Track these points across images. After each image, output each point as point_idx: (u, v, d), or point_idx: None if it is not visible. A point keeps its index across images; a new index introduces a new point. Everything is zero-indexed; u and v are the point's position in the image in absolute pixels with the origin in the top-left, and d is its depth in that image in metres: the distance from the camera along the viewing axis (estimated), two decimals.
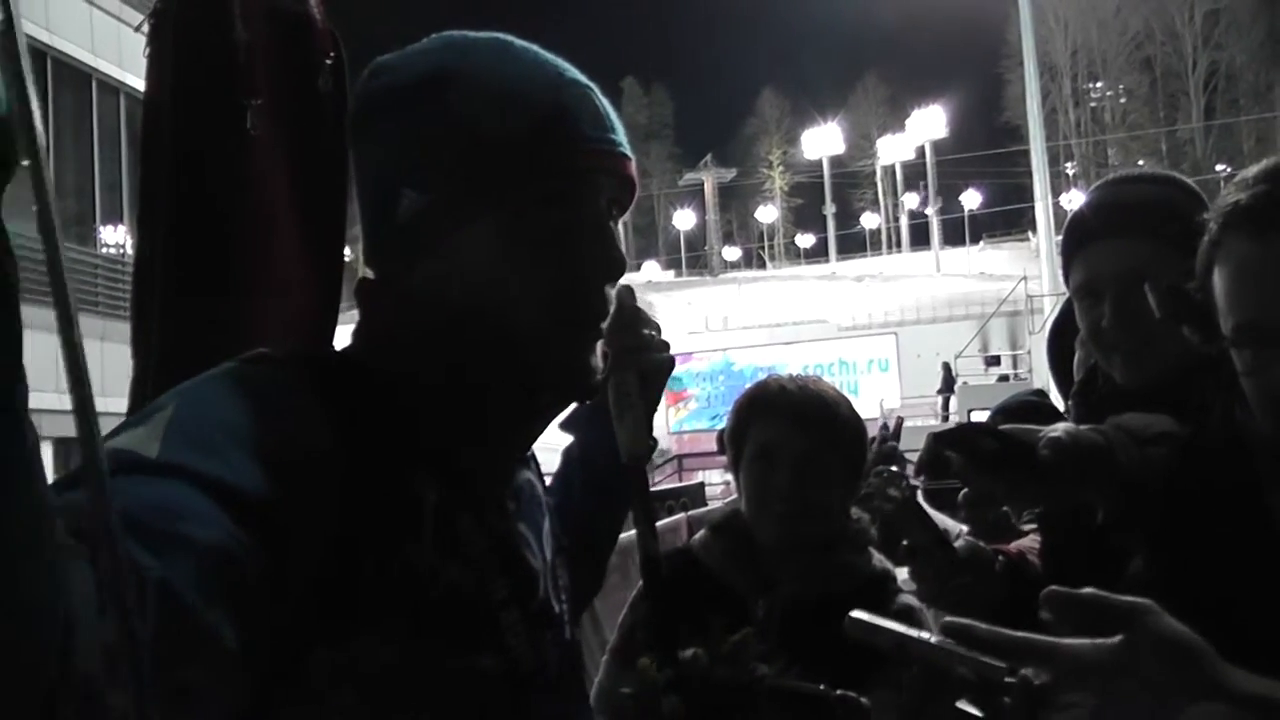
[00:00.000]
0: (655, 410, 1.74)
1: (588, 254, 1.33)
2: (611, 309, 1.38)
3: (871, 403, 32.07)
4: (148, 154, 1.63)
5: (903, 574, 2.29)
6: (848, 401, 2.47)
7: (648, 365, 1.65)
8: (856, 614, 1.23)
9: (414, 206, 1.30)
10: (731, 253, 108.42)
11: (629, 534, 1.85)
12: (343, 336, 1.45)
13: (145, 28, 1.65)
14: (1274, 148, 54.85)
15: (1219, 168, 71.11)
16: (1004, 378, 32.59)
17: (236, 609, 0.95)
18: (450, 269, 1.30)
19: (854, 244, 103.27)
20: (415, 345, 1.32)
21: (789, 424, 2.36)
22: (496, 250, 1.29)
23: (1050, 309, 26.38)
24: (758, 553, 2.38)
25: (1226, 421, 1.50)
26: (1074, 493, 1.79)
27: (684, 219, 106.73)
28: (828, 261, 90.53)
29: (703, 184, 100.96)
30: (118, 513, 0.84)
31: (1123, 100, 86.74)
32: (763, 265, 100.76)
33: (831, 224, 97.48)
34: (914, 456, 2.02)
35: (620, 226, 1.41)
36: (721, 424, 2.61)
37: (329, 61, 1.72)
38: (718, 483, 20.40)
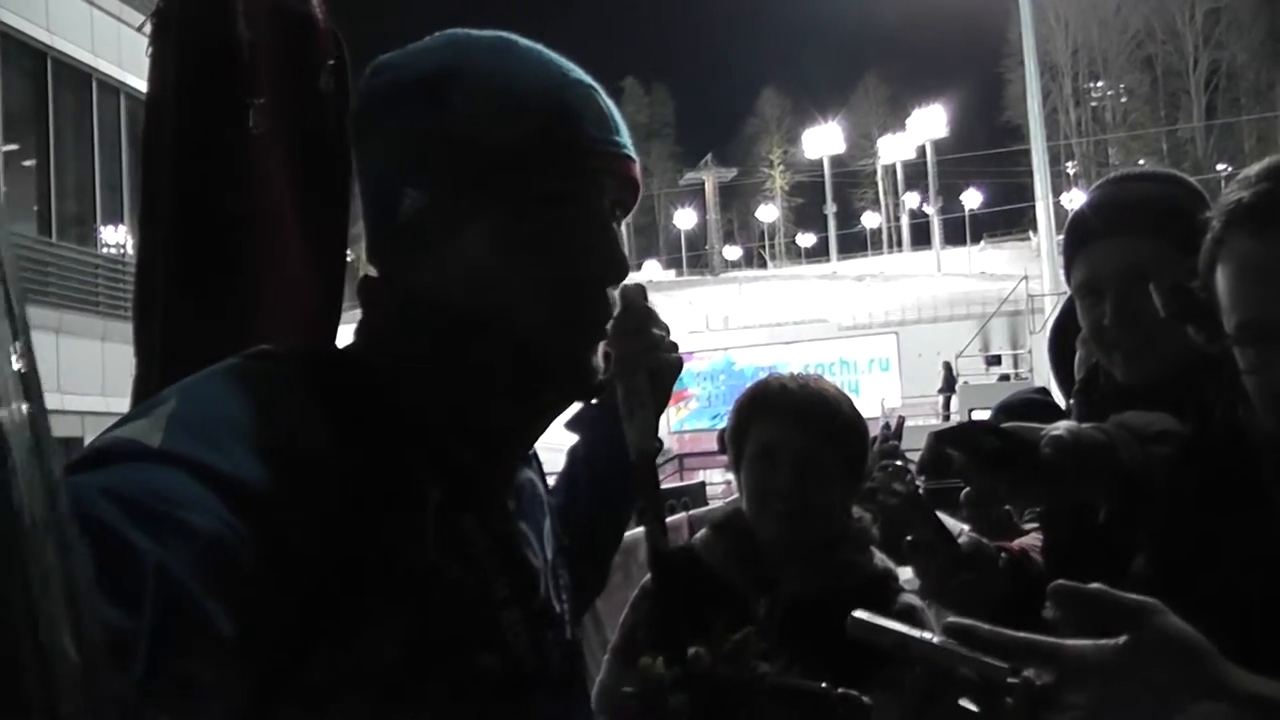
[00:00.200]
0: (664, 410, 1.74)
1: (590, 254, 1.32)
2: (614, 310, 1.38)
3: (872, 402, 32.04)
4: (150, 153, 1.63)
5: (905, 573, 2.29)
6: (849, 400, 2.48)
7: (657, 365, 1.65)
8: (859, 614, 1.23)
9: (416, 205, 1.30)
10: (732, 252, 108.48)
11: (631, 533, 1.85)
12: (345, 335, 1.45)
13: (148, 27, 1.65)
14: (1275, 146, 54.85)
15: (1220, 167, 71.12)
16: (1005, 377, 32.57)
17: (233, 599, 0.95)
18: (452, 268, 1.30)
19: (855, 243, 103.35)
20: (417, 343, 1.32)
21: (790, 423, 2.36)
22: (498, 250, 1.29)
23: (1051, 308, 26.38)
24: (759, 551, 2.38)
25: (1229, 419, 1.49)
26: (1076, 491, 1.79)
27: (685, 218, 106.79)
28: (829, 261, 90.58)
29: (703, 183, 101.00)
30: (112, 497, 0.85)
31: (1123, 99, 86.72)
32: (764, 265, 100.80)
33: (832, 223, 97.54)
34: (915, 456, 2.02)
35: (623, 228, 1.41)
36: (722, 423, 2.61)
37: (331, 61, 1.72)
38: (719, 482, 20.40)
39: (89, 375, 14.82)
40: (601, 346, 1.38)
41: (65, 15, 17.69)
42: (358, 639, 1.14)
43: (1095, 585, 1.11)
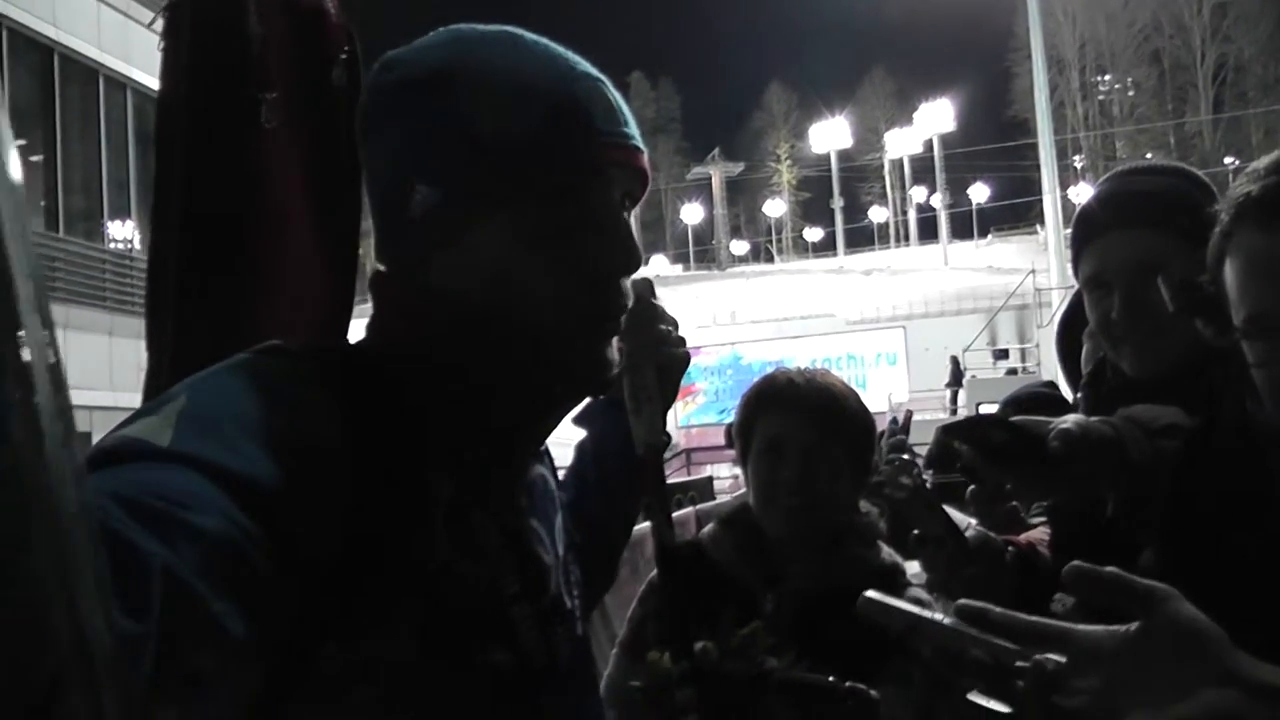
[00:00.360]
0: (671, 405, 1.74)
1: (602, 247, 1.32)
2: (627, 303, 1.38)
3: (880, 396, 32.08)
4: (162, 149, 1.64)
5: (912, 567, 2.29)
6: (856, 394, 2.47)
7: (665, 360, 1.64)
8: (870, 594, 1.23)
9: (426, 201, 1.30)
10: (739, 247, 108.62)
11: (640, 527, 1.85)
12: (357, 330, 1.45)
13: (159, 23, 1.65)
14: None
15: (1227, 160, 71.15)
16: (1012, 371, 32.56)
17: (244, 599, 0.95)
18: (463, 263, 1.30)
19: (862, 238, 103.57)
20: (428, 339, 1.31)
21: (797, 417, 2.36)
22: (509, 244, 1.29)
23: (1059, 302, 26.36)
24: (766, 546, 2.38)
25: (1237, 413, 1.49)
26: (1084, 484, 1.79)
27: (691, 213, 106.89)
28: (835, 255, 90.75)
29: (710, 178, 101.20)
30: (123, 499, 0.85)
31: (1131, 93, 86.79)
32: (770, 259, 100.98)
33: (839, 218, 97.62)
34: (923, 450, 2.02)
35: (632, 219, 1.41)
36: (729, 418, 2.61)
37: (343, 55, 1.72)
38: (726, 476, 20.39)
39: (96, 370, 14.85)
40: (615, 340, 1.38)
41: (72, 11, 17.71)
42: (370, 635, 1.14)
43: (1111, 568, 1.11)
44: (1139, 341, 2.06)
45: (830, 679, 1.80)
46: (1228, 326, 1.41)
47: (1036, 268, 38.17)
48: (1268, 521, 1.39)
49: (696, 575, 2.39)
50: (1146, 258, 2.00)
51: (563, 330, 1.30)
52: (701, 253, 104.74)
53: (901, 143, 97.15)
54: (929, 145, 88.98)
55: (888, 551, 2.41)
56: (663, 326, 1.64)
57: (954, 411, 29.64)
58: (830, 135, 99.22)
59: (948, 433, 1.84)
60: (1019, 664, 1.10)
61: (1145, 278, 1.87)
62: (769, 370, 2.59)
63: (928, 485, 2.09)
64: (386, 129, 1.36)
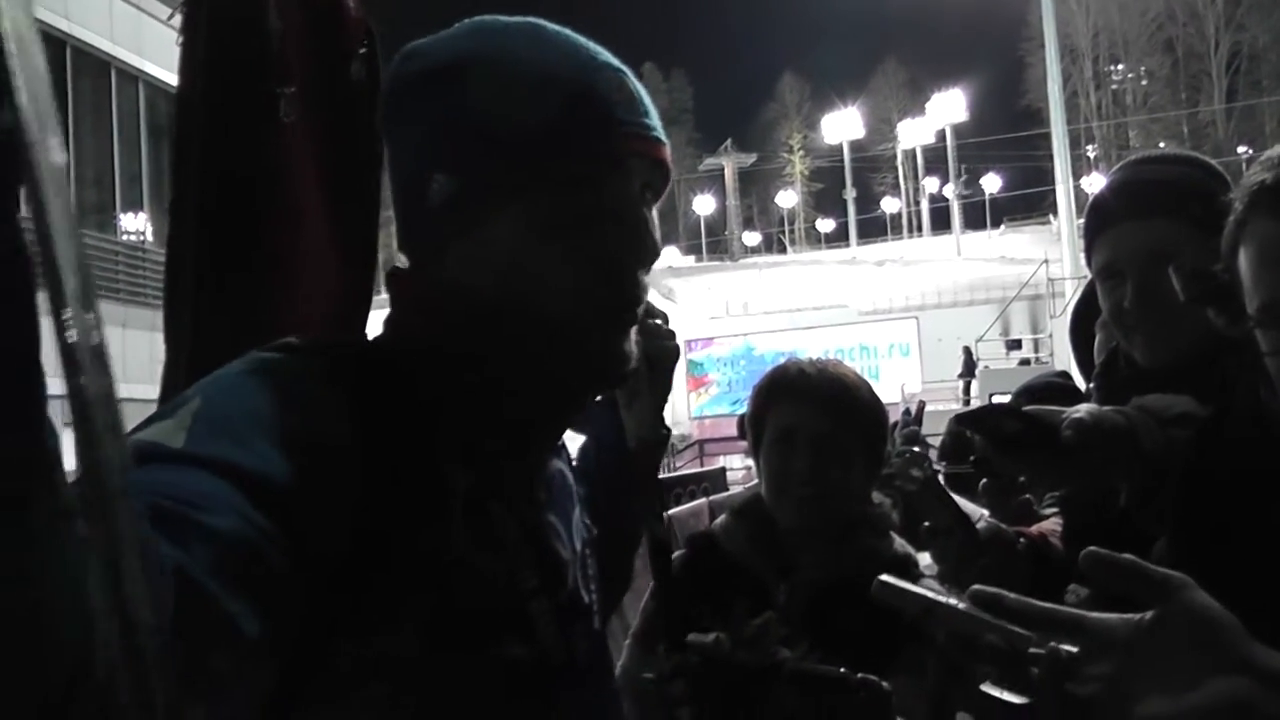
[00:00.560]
0: (665, 398, 1.74)
1: (619, 238, 1.32)
2: (645, 294, 1.37)
3: (892, 387, 32.01)
4: (180, 143, 1.63)
5: (925, 558, 2.29)
6: (868, 385, 2.47)
7: (654, 353, 1.64)
8: (885, 578, 1.22)
9: (445, 190, 1.30)
10: (752, 238, 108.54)
11: None
12: (375, 325, 1.45)
13: (177, 16, 1.65)
14: None
15: (1241, 149, 70.93)
16: (1025, 361, 32.55)
17: (259, 597, 0.95)
18: (481, 254, 1.30)
19: (874, 228, 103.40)
20: (445, 332, 1.31)
21: (809, 407, 2.36)
22: (527, 234, 1.28)
23: (1072, 292, 26.35)
24: (779, 536, 2.38)
25: (1250, 402, 1.49)
26: (1097, 474, 1.79)
27: (704, 204, 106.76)
28: (848, 246, 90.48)
29: (723, 169, 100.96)
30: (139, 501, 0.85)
31: (1144, 82, 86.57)
32: (783, 250, 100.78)
33: (852, 208, 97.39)
34: (935, 441, 2.02)
35: (654, 212, 1.40)
36: (742, 409, 2.61)
37: (362, 49, 1.72)
38: (739, 467, 20.38)
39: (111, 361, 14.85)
40: (633, 333, 1.38)
41: (84, 4, 17.72)
42: (387, 630, 1.15)
43: (1127, 555, 1.10)
44: (1151, 331, 2.05)
45: (842, 670, 1.80)
46: (1240, 316, 1.40)
47: (1049, 258, 38.10)
48: None
49: (709, 566, 2.39)
50: (1159, 247, 1.99)
51: (579, 321, 1.30)
52: (714, 244, 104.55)
53: (914, 133, 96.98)
54: (942, 135, 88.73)
55: (900, 542, 2.41)
56: (649, 320, 1.63)
57: (967, 402, 29.62)
58: (843, 126, 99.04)
59: (960, 422, 1.84)
60: (1033, 650, 1.10)
61: (1158, 267, 1.86)
62: (781, 361, 2.59)
63: (940, 476, 2.09)
64: (407, 119, 1.37)
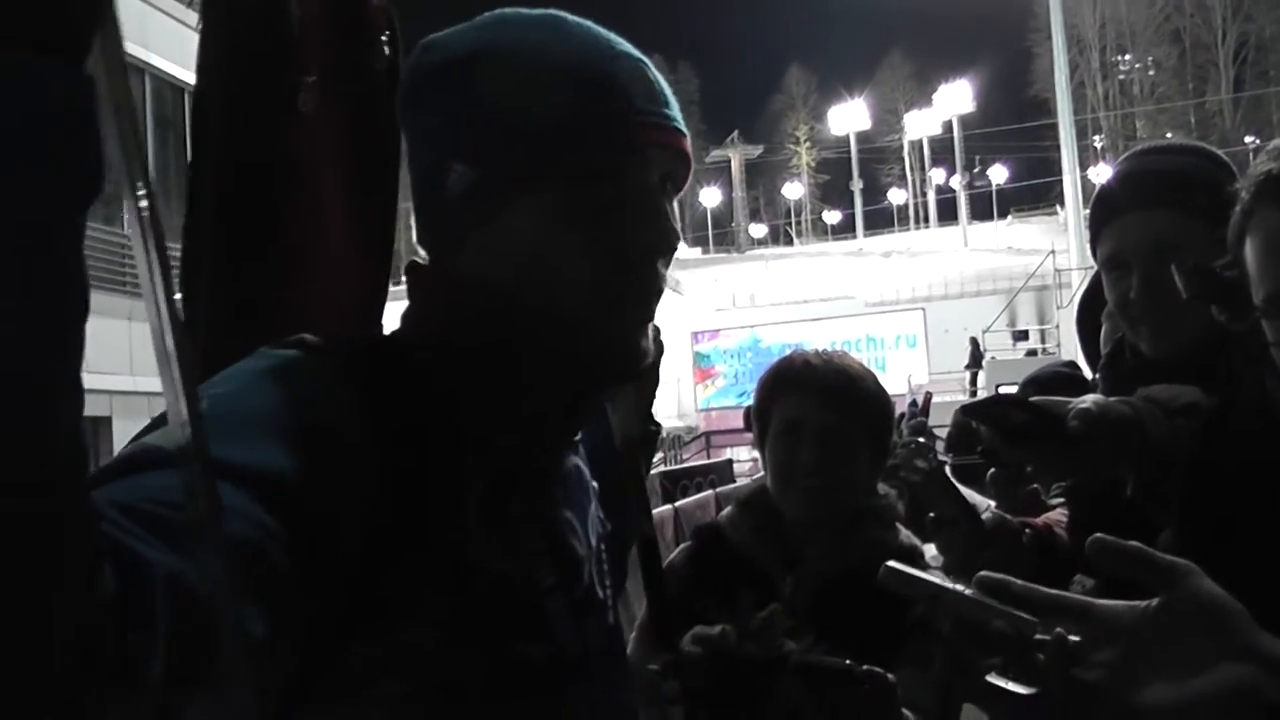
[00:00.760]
0: (652, 395, 1.74)
1: (640, 229, 1.31)
2: (663, 286, 1.36)
3: (899, 379, 32.08)
4: (197, 134, 1.63)
5: (930, 550, 2.29)
6: (873, 376, 2.47)
7: None
8: (893, 564, 1.22)
9: (463, 181, 1.29)
10: (758, 229, 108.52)
11: (659, 510, 1.85)
12: (392, 318, 1.45)
13: (196, 4, 1.64)
14: None
15: (1248, 139, 70.89)
16: (1032, 352, 32.55)
17: (263, 599, 0.95)
18: (500, 245, 1.29)
19: (881, 220, 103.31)
20: (462, 326, 1.31)
21: (814, 399, 2.36)
22: (544, 225, 1.28)
23: (1079, 283, 26.31)
24: (785, 529, 2.38)
25: (1256, 392, 1.49)
26: (1103, 464, 1.78)
27: (710, 196, 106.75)
28: (855, 237, 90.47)
29: (729, 161, 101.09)
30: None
31: (1151, 72, 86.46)
32: (790, 242, 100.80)
33: (859, 200, 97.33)
34: (942, 432, 2.02)
35: (675, 204, 1.39)
36: (749, 401, 2.61)
37: (383, 39, 1.72)
38: (746, 459, 20.43)
39: (117, 354, 14.86)
40: (651, 327, 1.37)
41: None
42: (402, 626, 1.15)
43: (1134, 542, 1.11)
44: (1157, 322, 2.05)
45: (848, 662, 1.80)
46: (1242, 311, 1.40)
47: (1056, 248, 38.07)
48: None
49: (715, 558, 2.39)
50: (1165, 238, 1.99)
51: (597, 313, 1.30)
52: (720, 236, 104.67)
53: (921, 124, 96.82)
54: (948, 126, 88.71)
55: (906, 534, 2.40)
56: None
57: (973, 393, 29.61)
58: (849, 117, 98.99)
59: (966, 413, 1.84)
60: (1039, 637, 1.10)
61: (1163, 258, 1.86)
62: (787, 353, 2.59)
63: (946, 467, 2.09)
64: (426, 111, 1.37)
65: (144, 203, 0.80)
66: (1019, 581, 1.14)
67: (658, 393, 1.76)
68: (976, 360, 32.26)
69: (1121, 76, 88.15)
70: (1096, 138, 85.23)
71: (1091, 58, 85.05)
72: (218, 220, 1.59)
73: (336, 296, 1.65)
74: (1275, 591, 1.11)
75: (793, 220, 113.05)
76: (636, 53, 1.36)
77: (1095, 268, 2.28)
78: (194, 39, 1.55)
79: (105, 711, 0.78)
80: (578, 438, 1.48)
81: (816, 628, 1.89)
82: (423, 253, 1.39)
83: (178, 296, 0.85)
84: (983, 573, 1.15)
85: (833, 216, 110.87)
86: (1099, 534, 1.12)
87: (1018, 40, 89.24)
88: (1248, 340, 1.44)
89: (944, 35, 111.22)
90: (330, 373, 1.18)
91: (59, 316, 0.75)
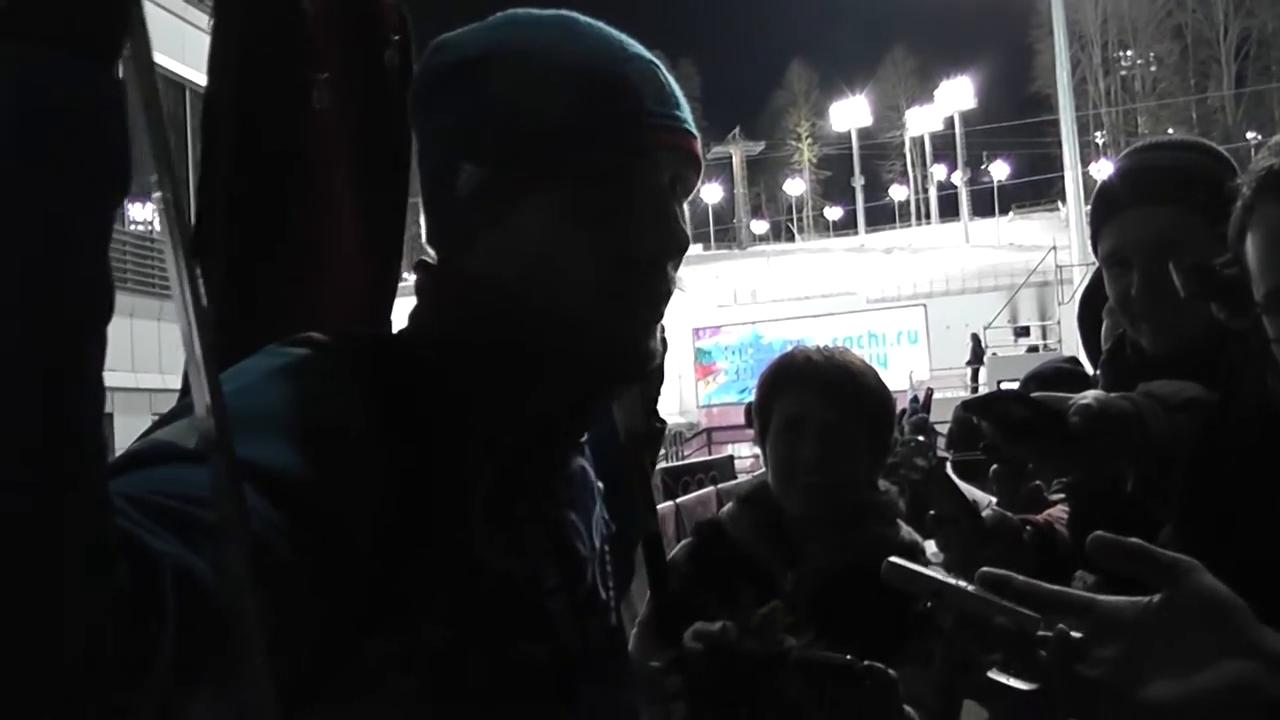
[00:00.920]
0: (657, 391, 1.74)
1: (649, 231, 1.30)
2: (672, 288, 1.36)
3: (901, 375, 32.12)
4: (209, 130, 1.62)
5: (932, 546, 2.29)
6: (875, 373, 2.47)
7: None
8: (894, 560, 1.22)
9: (473, 180, 1.29)
10: (760, 226, 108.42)
11: (663, 505, 1.85)
12: (400, 316, 1.45)
13: (204, 3, 1.65)
14: None
15: (1250, 135, 70.79)
16: (1033, 348, 32.57)
17: (273, 595, 0.95)
18: (509, 245, 1.29)
19: (883, 216, 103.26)
20: (470, 324, 1.31)
21: (815, 395, 2.36)
22: (553, 225, 1.28)
23: (1080, 279, 26.34)
24: (786, 525, 2.38)
25: (1257, 388, 1.49)
26: (1104, 460, 1.78)
27: (712, 192, 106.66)
28: (856, 234, 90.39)
29: (731, 157, 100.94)
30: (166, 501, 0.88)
31: (1153, 68, 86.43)
32: (791, 238, 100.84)
33: (860, 196, 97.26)
34: (944, 428, 2.02)
35: (684, 206, 1.38)
36: (750, 397, 2.60)
37: (396, 37, 1.71)
38: (747, 455, 20.44)
39: (118, 352, 14.89)
40: (659, 328, 1.37)
41: None
42: (405, 626, 1.15)
43: (1134, 539, 1.11)
44: (1158, 318, 2.05)
45: (849, 658, 1.80)
46: (1241, 309, 1.40)
47: (1058, 244, 38.08)
48: None
49: (716, 554, 2.39)
50: (1166, 234, 1.99)
51: (606, 314, 1.29)
52: (722, 232, 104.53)
53: (922, 120, 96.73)
54: (950, 122, 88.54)
55: (907, 530, 2.41)
56: None
57: (975, 389, 29.62)
58: (851, 113, 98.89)
59: (967, 408, 1.84)
60: (1041, 633, 1.10)
61: (1164, 254, 1.86)
62: (789, 349, 2.59)
63: (947, 464, 2.09)
64: (437, 110, 1.37)
65: (169, 200, 0.84)
66: (1021, 578, 1.14)
67: (662, 389, 1.75)
68: (978, 356, 32.26)
69: (1123, 72, 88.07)
70: (1098, 134, 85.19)
71: (1093, 53, 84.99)
72: (230, 217, 1.59)
73: (345, 294, 1.65)
74: (1276, 587, 1.11)
75: (794, 216, 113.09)
76: (648, 54, 1.36)
77: (1096, 264, 2.28)
78: (192, 34, 1.55)
79: (115, 702, 0.79)
80: (584, 438, 1.48)
81: (817, 624, 1.89)
82: (432, 252, 1.39)
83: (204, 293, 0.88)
84: (985, 569, 1.15)
85: (834, 213, 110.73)
86: (1100, 531, 1.12)
87: (1019, 36, 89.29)
88: (1248, 336, 1.44)
89: (946, 31, 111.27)
90: (339, 371, 1.18)
91: (89, 313, 0.80)
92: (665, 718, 1.68)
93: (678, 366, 38.27)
